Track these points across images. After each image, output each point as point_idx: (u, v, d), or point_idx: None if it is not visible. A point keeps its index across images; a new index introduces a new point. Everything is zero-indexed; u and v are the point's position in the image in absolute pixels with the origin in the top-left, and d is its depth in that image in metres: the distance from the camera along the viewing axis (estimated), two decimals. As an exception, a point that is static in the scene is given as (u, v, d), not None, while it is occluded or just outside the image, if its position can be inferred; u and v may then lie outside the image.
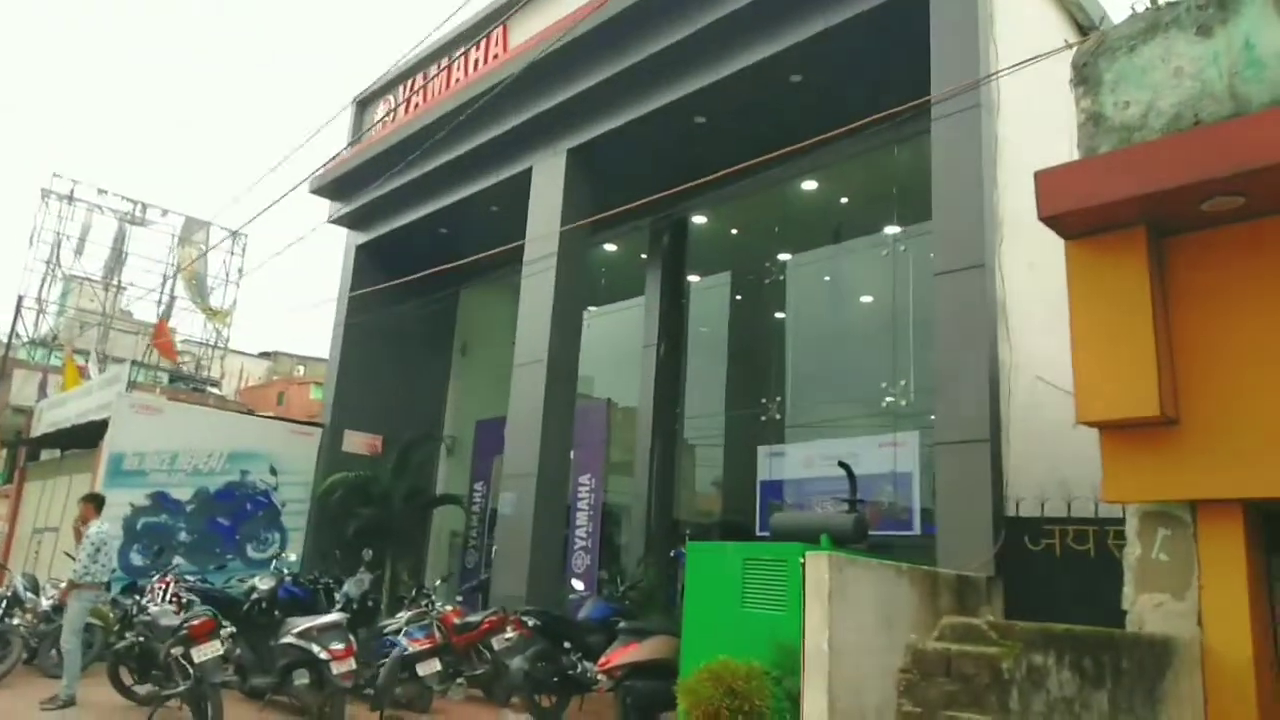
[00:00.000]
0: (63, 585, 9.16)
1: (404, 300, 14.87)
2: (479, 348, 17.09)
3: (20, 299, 28.38)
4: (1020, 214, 7.42)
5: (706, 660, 5.84)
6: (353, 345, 15.59)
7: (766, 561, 6.63)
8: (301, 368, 40.89)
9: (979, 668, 2.95)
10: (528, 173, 12.44)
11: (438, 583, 11.52)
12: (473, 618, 9.88)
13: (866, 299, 12.39)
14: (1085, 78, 4.95)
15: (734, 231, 14.23)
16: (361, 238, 15.95)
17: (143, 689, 8.14)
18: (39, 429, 17.21)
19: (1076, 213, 4.41)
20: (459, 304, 16.90)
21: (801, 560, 5.39)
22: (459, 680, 9.42)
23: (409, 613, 9.22)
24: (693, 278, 13.91)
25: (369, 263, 15.88)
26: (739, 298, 14.15)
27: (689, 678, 5.67)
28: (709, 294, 14.11)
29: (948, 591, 5.95)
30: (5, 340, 26.56)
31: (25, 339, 28.92)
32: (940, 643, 3.13)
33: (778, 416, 12.14)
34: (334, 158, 14.77)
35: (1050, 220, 4.54)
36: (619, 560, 12.92)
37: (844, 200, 12.63)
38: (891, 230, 11.38)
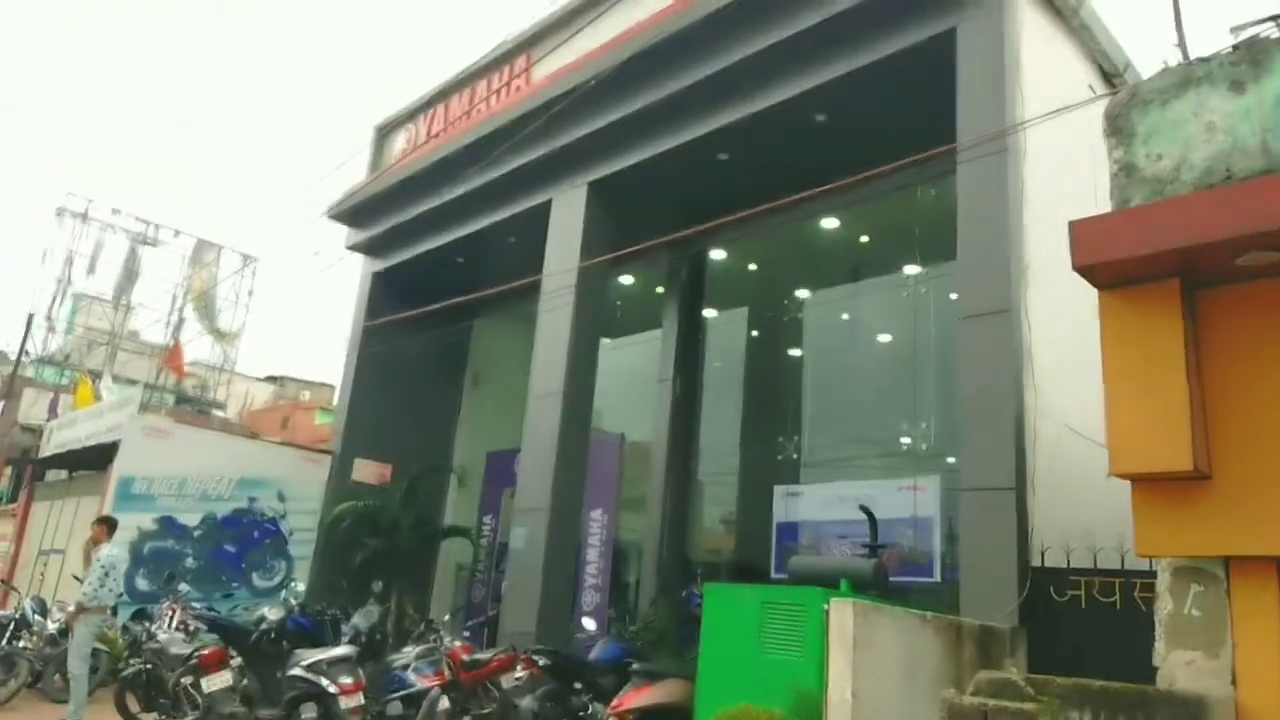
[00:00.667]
0: (70, 609, 9.18)
1: (417, 328, 14.98)
2: (491, 378, 17.15)
3: (31, 316, 28.70)
4: (1045, 258, 7.49)
5: (723, 706, 5.84)
6: (365, 372, 15.69)
7: (786, 606, 6.62)
8: (307, 392, 40.98)
9: (1016, 724, 2.98)
10: (547, 205, 12.59)
11: (446, 617, 11.51)
12: (481, 655, 9.84)
13: (885, 339, 12.43)
14: (1118, 129, 5.03)
15: (753, 267, 14.32)
16: (378, 265, 16.11)
17: (149, 717, 8.14)
18: (48, 449, 17.33)
19: (1112, 264, 4.47)
20: (472, 334, 17.01)
21: (825, 606, 5.39)
22: (467, 718, 9.37)
23: (417, 647, 9.21)
24: (710, 312, 14.00)
25: (384, 290, 16.02)
26: (756, 334, 14.20)
27: (706, 723, 5.67)
28: (726, 329, 14.16)
29: (971, 642, 5.93)
30: (14, 358, 26.79)
31: (34, 357, 29.19)
32: (976, 698, 3.15)
33: (794, 456, 12.15)
34: (354, 190, 14.96)
35: (1084, 271, 4.60)
36: (629, 599, 12.87)
37: (864, 239, 12.72)
38: (912, 270, 11.45)
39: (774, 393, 13.53)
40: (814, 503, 11.35)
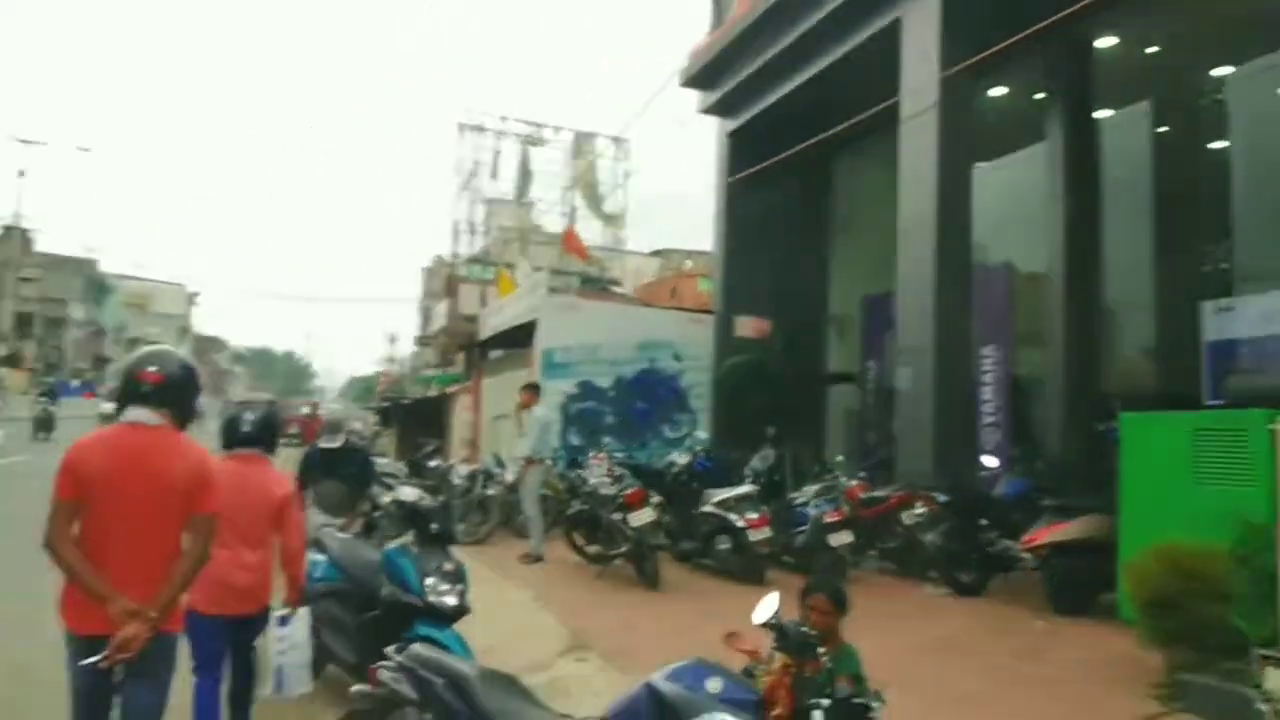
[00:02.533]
0: (520, 462, 10.83)
1: (778, 182, 14.87)
2: (858, 221, 16.63)
3: (456, 224, 33.34)
4: None
5: (1151, 540, 5.36)
6: (734, 233, 16.03)
7: (1224, 431, 5.85)
8: (690, 261, 43.14)
9: None
10: (894, 27, 11.54)
11: (839, 458, 11.76)
12: (879, 492, 9.94)
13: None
14: None
15: (1152, 50, 12.08)
16: (731, 124, 16.15)
17: (592, 549, 9.42)
18: (485, 333, 20.29)
19: None
20: (833, 178, 16.56)
21: (1272, 427, 4.62)
22: (871, 552, 9.62)
23: (815, 486, 9.55)
24: (1103, 113, 12.14)
25: (740, 148, 16.03)
26: (1164, 130, 12.15)
27: (1133, 558, 5.24)
28: (1124, 131, 12.32)
29: None
30: (450, 261, 31.40)
31: (463, 258, 34.03)
32: None
33: (1223, 266, 10.39)
34: (698, 49, 14.95)
35: None
36: (1033, 435, 12.13)
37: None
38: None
39: (1192, 196, 11.65)
40: (1252, 317, 9.66)
